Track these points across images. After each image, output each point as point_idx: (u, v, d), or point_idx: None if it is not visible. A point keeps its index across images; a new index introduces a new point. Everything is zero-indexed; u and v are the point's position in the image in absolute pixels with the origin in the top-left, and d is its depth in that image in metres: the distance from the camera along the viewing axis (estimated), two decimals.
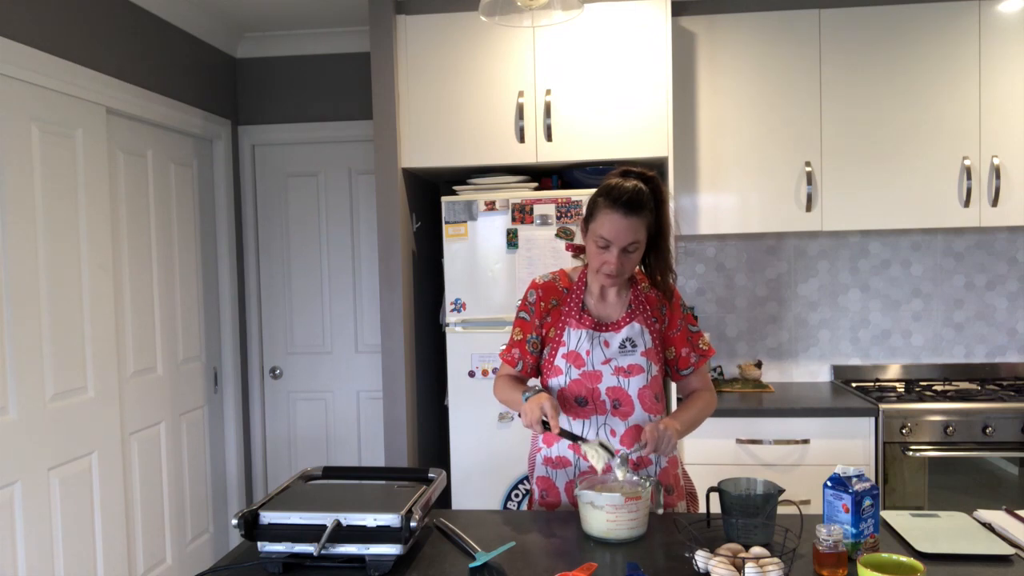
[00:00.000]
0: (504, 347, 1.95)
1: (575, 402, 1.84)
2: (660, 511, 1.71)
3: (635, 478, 1.69)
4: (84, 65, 2.68)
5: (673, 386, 2.81)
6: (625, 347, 1.83)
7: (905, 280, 3.39)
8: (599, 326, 1.84)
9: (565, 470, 1.86)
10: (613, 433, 1.82)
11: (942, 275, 3.37)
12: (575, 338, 1.84)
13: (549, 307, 1.89)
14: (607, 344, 1.83)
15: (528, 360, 1.91)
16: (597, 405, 1.82)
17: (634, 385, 1.82)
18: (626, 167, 1.81)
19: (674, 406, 2.82)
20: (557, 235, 2.81)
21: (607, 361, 1.82)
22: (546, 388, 1.89)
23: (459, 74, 2.91)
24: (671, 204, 1.85)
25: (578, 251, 1.92)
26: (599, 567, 1.46)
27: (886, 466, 2.79)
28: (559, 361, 1.85)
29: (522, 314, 1.92)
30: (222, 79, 3.66)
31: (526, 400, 1.73)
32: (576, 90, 2.87)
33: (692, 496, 1.95)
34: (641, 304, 1.87)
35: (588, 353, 1.82)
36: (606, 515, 1.56)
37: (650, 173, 1.79)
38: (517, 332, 1.92)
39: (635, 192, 1.73)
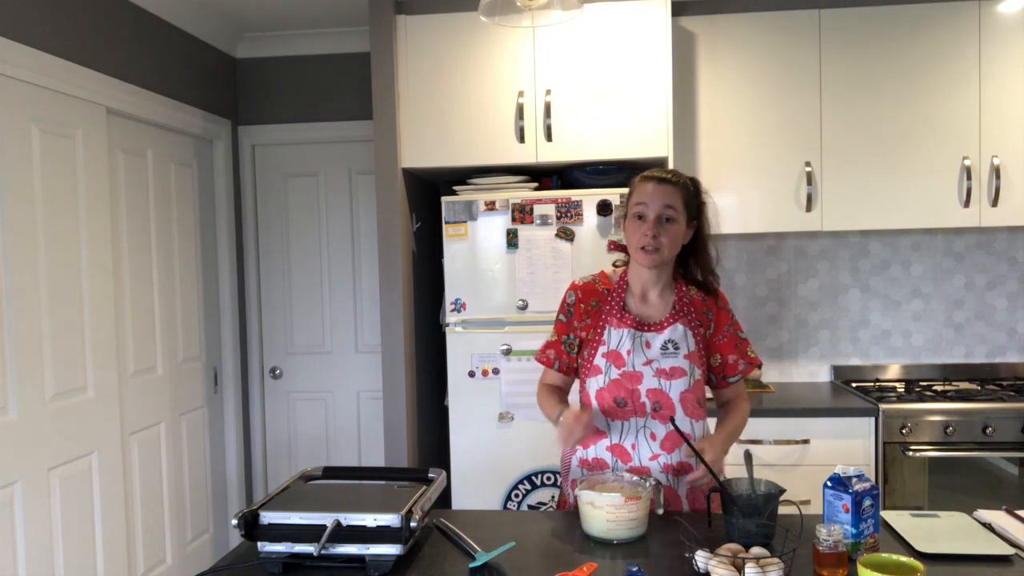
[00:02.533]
0: (540, 348, 1.95)
1: (614, 403, 1.81)
2: (660, 511, 1.71)
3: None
4: (84, 65, 2.68)
5: None
6: (667, 348, 1.80)
7: (905, 280, 3.38)
8: (641, 326, 1.82)
9: (602, 473, 1.82)
10: (653, 436, 1.80)
11: (942, 275, 3.37)
12: (616, 337, 1.81)
13: (589, 309, 1.86)
14: (648, 345, 1.80)
15: (564, 359, 1.90)
16: (637, 407, 1.80)
17: (676, 388, 1.79)
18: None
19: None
20: (557, 235, 2.81)
21: (648, 362, 1.79)
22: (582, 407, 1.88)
23: (459, 74, 2.91)
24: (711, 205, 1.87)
25: (620, 249, 1.92)
26: (599, 567, 1.46)
27: (886, 466, 2.79)
28: (599, 360, 1.82)
29: (560, 316, 1.91)
30: (222, 79, 3.66)
31: (559, 420, 1.76)
32: (576, 90, 2.87)
33: None
34: (685, 306, 1.84)
35: (629, 353, 1.80)
36: (606, 515, 1.56)
37: (690, 175, 1.86)
38: (553, 333, 1.92)
39: (669, 170, 1.81)
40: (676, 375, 1.79)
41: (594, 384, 1.83)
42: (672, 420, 1.74)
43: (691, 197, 1.80)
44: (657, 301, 1.85)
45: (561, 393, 1.94)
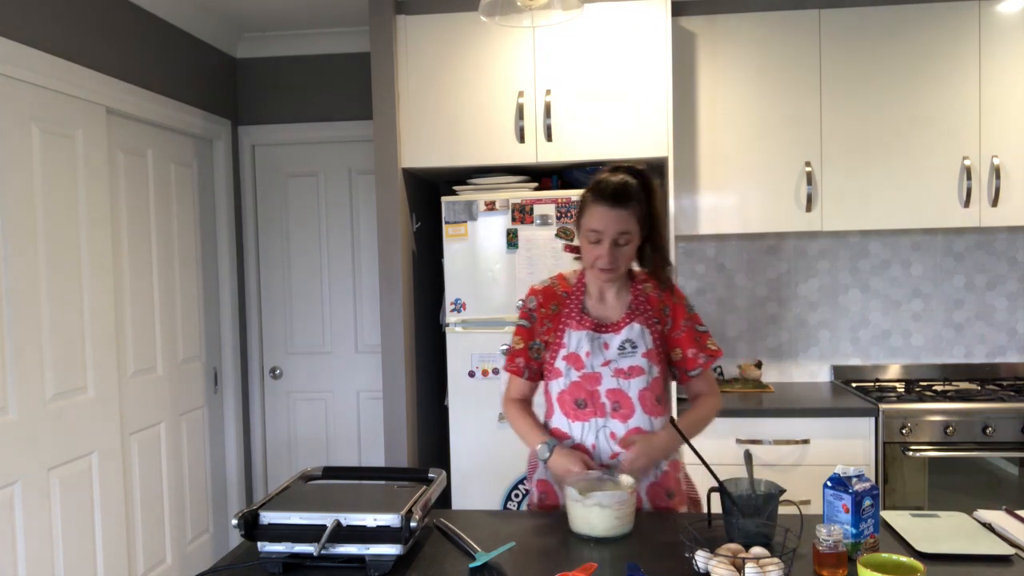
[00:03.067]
0: (507, 357, 1.93)
1: (575, 404, 1.83)
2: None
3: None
4: (84, 65, 2.68)
5: (673, 385, 2.81)
6: (625, 348, 1.81)
7: (905, 280, 3.38)
8: (599, 327, 1.83)
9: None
10: (613, 436, 1.81)
11: (942, 275, 3.37)
12: (575, 340, 1.83)
13: (550, 312, 1.88)
14: (606, 346, 1.82)
15: (533, 366, 1.91)
16: (596, 407, 1.82)
17: (634, 387, 1.81)
18: (616, 164, 1.83)
19: (674, 406, 2.82)
20: (557, 235, 2.81)
21: (606, 363, 1.81)
22: (558, 439, 1.87)
23: (459, 74, 2.91)
24: (671, 199, 1.85)
25: (577, 251, 1.92)
26: (599, 567, 1.46)
27: (886, 466, 2.79)
28: (559, 363, 1.84)
29: (522, 321, 1.91)
30: (222, 79, 3.66)
31: (546, 461, 1.78)
32: (576, 90, 2.87)
33: (695, 502, 1.93)
34: (642, 304, 1.85)
35: (588, 355, 1.81)
36: (602, 512, 1.57)
37: (639, 167, 1.81)
38: (518, 340, 1.91)
39: (621, 184, 1.75)
40: (634, 374, 1.81)
41: (556, 387, 1.86)
42: (672, 420, 1.75)
43: (644, 207, 1.77)
44: (614, 301, 1.86)
45: (529, 408, 1.95)
